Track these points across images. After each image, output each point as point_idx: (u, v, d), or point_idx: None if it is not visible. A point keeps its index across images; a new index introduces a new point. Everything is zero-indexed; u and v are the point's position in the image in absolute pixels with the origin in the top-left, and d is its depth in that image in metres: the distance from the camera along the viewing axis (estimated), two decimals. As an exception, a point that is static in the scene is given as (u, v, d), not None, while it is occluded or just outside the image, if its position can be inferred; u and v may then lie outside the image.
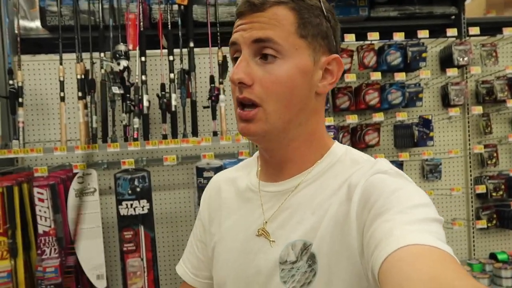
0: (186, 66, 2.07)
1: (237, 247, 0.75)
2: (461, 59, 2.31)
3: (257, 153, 0.84)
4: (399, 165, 2.32)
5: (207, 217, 0.85)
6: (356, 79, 2.19)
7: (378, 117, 2.18)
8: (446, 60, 2.40)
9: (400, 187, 0.59)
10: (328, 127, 2.19)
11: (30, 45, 2.25)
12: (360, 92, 2.25)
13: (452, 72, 2.24)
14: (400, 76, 2.18)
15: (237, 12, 0.69)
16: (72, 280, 1.89)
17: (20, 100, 1.95)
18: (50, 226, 1.86)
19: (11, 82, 1.94)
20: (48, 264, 1.86)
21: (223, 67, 2.09)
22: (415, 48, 2.25)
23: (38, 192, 1.85)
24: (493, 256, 2.42)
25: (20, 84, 1.95)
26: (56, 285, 1.86)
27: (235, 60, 0.69)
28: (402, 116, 2.21)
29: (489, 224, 2.44)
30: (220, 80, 2.08)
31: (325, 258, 0.64)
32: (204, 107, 2.11)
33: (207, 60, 2.20)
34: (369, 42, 2.23)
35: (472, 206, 2.50)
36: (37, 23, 2.40)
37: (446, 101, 2.42)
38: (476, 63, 2.42)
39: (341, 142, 2.53)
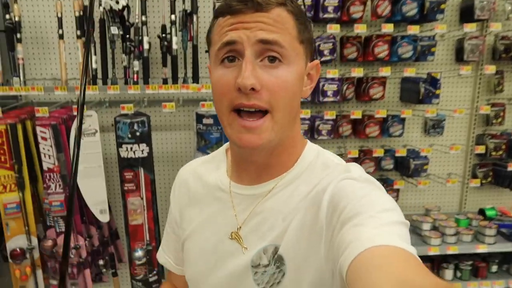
0: (188, 7, 1.97)
1: (208, 247, 0.76)
2: (482, 12, 2.16)
3: (225, 146, 0.82)
4: (401, 120, 2.29)
5: (178, 213, 0.85)
6: (366, 29, 2.08)
7: (385, 71, 2.11)
8: (466, 12, 2.24)
9: (368, 192, 0.61)
10: (332, 79, 2.14)
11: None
12: (370, 44, 2.15)
13: (470, 27, 2.11)
14: (413, 30, 2.06)
15: (230, 9, 0.63)
16: (77, 213, 2.03)
17: (18, 35, 1.91)
18: (54, 164, 1.95)
19: (7, 16, 1.88)
20: (54, 198, 1.97)
21: (227, 10, 1.98)
22: (434, -2, 2.09)
23: (40, 131, 1.90)
24: (481, 211, 2.50)
25: (17, 19, 1.89)
26: (62, 217, 2.00)
27: (227, 59, 0.64)
28: (410, 72, 2.14)
29: (483, 181, 2.48)
30: (223, 24, 1.99)
31: (293, 260, 0.66)
32: (206, 51, 2.05)
33: (211, 1, 2.08)
34: (385, -12, 2.07)
35: (470, 163, 2.52)
36: None
37: (459, 56, 2.31)
38: (498, 19, 2.25)
39: (344, 94, 2.45)
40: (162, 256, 0.92)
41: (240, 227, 0.72)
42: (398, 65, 2.28)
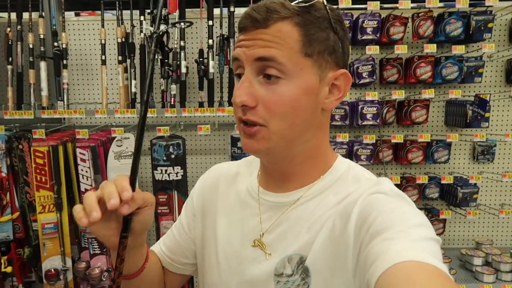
0: (225, 32, 1.99)
1: (231, 252, 0.76)
2: (534, 31, 2.03)
3: None
4: (447, 145, 2.16)
5: (201, 207, 0.86)
6: (407, 50, 2.00)
7: (428, 93, 2.01)
8: (516, 31, 2.12)
9: (399, 207, 0.60)
10: (372, 101, 2.06)
11: (75, 3, 2.26)
12: (411, 65, 2.07)
13: (521, 46, 1.98)
14: (458, 50, 1.96)
15: (240, 27, 0.67)
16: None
17: (64, 62, 1.99)
18: (91, 185, 1.97)
19: (55, 44, 1.98)
20: (90, 220, 1.98)
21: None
22: (481, 17, 1.99)
23: (80, 153, 1.94)
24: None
25: (64, 46, 1.98)
26: (96, 239, 2.00)
27: (238, 76, 0.68)
28: (456, 94, 2.02)
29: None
30: (260, 48, 1.98)
31: (319, 272, 0.65)
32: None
33: (247, 25, 2.10)
34: (427, 9, 2.00)
35: (525, 193, 2.32)
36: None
37: (510, 78, 2.18)
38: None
39: (384, 118, 2.36)
40: (157, 247, 0.92)
41: (262, 234, 0.73)
42: (442, 87, 2.18)
